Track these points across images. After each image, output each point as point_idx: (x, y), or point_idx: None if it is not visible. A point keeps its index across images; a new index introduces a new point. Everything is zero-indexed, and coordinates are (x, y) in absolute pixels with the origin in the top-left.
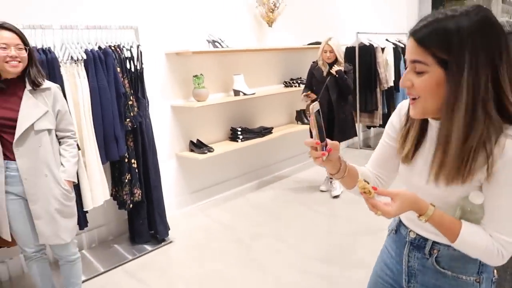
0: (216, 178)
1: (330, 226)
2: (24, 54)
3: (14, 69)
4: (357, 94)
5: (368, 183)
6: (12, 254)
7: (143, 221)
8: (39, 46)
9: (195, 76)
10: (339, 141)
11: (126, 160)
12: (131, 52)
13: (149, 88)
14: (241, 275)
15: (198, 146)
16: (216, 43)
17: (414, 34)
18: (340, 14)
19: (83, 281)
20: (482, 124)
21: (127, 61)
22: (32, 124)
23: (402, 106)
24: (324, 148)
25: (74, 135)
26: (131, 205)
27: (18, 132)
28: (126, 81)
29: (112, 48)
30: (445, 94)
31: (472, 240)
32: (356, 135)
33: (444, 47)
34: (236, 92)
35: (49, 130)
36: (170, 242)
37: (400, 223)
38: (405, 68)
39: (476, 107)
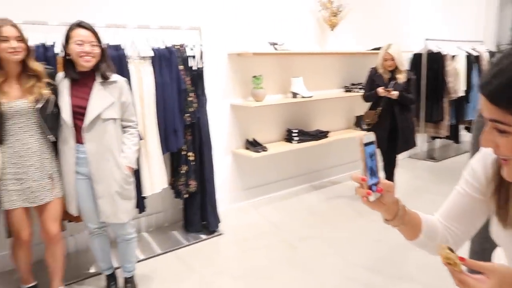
0: (270, 178)
1: (380, 236)
2: (97, 50)
3: (87, 63)
4: (423, 103)
5: (453, 251)
6: (79, 230)
7: (196, 212)
8: (112, 43)
9: (254, 76)
10: (402, 151)
11: (184, 153)
12: (194, 51)
13: (210, 86)
14: (285, 274)
15: (253, 145)
16: (277, 46)
17: (483, 89)
18: (407, 19)
19: (140, 260)
20: None
21: (190, 59)
22: (100, 113)
23: (487, 155)
24: (373, 187)
25: (136, 125)
26: (186, 195)
27: (87, 119)
28: (187, 78)
29: (177, 47)
30: None
31: None
32: (416, 145)
33: None
34: (294, 94)
35: (114, 119)
36: (220, 234)
37: None
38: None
39: None
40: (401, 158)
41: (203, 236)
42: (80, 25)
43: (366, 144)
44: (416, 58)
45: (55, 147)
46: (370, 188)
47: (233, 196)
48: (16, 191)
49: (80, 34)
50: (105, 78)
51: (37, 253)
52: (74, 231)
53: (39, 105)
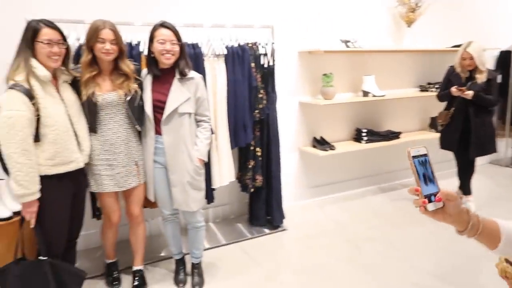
0: (336, 177)
1: (452, 244)
2: (177, 48)
3: (167, 61)
4: (509, 105)
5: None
6: (153, 215)
7: (261, 206)
8: (189, 42)
9: (325, 74)
10: (477, 156)
11: (252, 148)
12: (265, 49)
13: (280, 83)
14: (347, 274)
15: (320, 143)
16: (349, 43)
17: None
18: (495, 13)
19: (206, 249)
20: None
21: (261, 57)
22: (177, 107)
23: None
24: (431, 197)
25: (209, 120)
26: (252, 189)
27: (165, 113)
28: (258, 76)
29: (249, 45)
30: None
31: None
32: (496, 150)
33: None
34: (365, 93)
35: (189, 114)
36: (284, 229)
37: None
38: None
39: None
40: (480, 164)
41: (267, 231)
42: (163, 25)
43: (416, 157)
44: (504, 56)
45: (140, 136)
46: (427, 198)
47: (298, 193)
48: (108, 176)
49: (163, 33)
50: (183, 74)
51: (120, 234)
52: (149, 217)
53: (128, 98)
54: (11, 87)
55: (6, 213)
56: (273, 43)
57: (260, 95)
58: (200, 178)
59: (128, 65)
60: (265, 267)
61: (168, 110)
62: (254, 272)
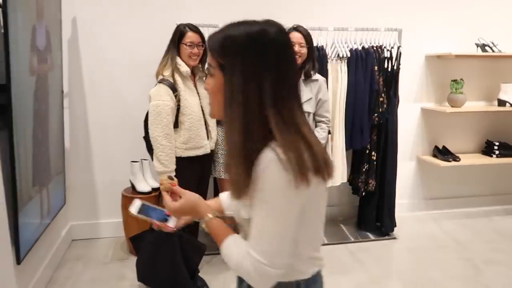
0: (457, 191)
1: None
2: (304, 50)
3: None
4: None
5: (173, 179)
6: None
7: (372, 211)
8: (315, 45)
9: (454, 80)
10: None
11: (367, 151)
12: (390, 53)
13: (402, 88)
14: None
15: (442, 153)
16: (487, 47)
17: (208, 40)
18: None
19: None
20: (253, 134)
21: (385, 61)
22: None
23: None
24: (166, 218)
25: (328, 121)
26: (363, 193)
27: None
28: (380, 79)
29: (374, 48)
30: (222, 97)
31: (228, 252)
32: None
33: (221, 52)
34: (502, 102)
35: (309, 113)
36: (394, 238)
37: None
38: None
39: (247, 115)
40: None
41: (375, 237)
42: (296, 28)
43: (140, 212)
44: None
45: None
46: (163, 221)
47: (412, 203)
48: (223, 164)
49: (294, 36)
50: (307, 76)
51: None
52: None
53: None
54: (160, 81)
55: (147, 188)
56: (399, 46)
57: (381, 99)
58: None
59: None
60: (371, 272)
61: None
62: (358, 275)
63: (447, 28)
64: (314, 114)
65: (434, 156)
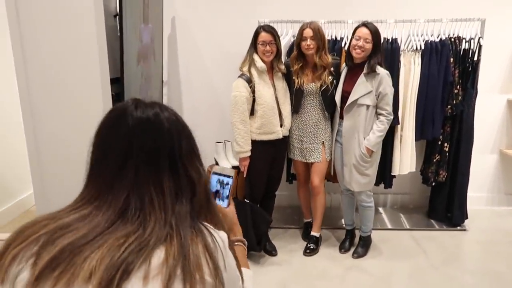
0: None
1: None
2: (369, 46)
3: (357, 55)
4: None
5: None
6: (335, 190)
7: (442, 201)
8: (387, 37)
9: None
10: None
11: (439, 142)
12: (469, 44)
13: (485, 79)
14: None
15: None
16: None
17: None
18: None
19: (378, 229)
20: None
21: (463, 52)
22: (357, 99)
23: None
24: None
25: (388, 115)
26: (433, 183)
27: (348, 102)
28: (456, 71)
29: (452, 40)
30: None
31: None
32: None
33: None
34: None
35: (368, 106)
36: (464, 229)
37: None
38: None
39: None
40: None
41: (444, 227)
42: (365, 24)
43: (216, 173)
44: None
45: (332, 121)
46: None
47: (490, 197)
48: (298, 148)
49: (361, 31)
50: (370, 70)
51: None
52: (331, 191)
53: (323, 88)
54: (239, 76)
55: (228, 166)
56: (480, 37)
57: (456, 91)
58: (366, 164)
59: (325, 59)
60: (433, 259)
61: (350, 100)
62: (419, 260)
63: None
64: (375, 107)
65: None
